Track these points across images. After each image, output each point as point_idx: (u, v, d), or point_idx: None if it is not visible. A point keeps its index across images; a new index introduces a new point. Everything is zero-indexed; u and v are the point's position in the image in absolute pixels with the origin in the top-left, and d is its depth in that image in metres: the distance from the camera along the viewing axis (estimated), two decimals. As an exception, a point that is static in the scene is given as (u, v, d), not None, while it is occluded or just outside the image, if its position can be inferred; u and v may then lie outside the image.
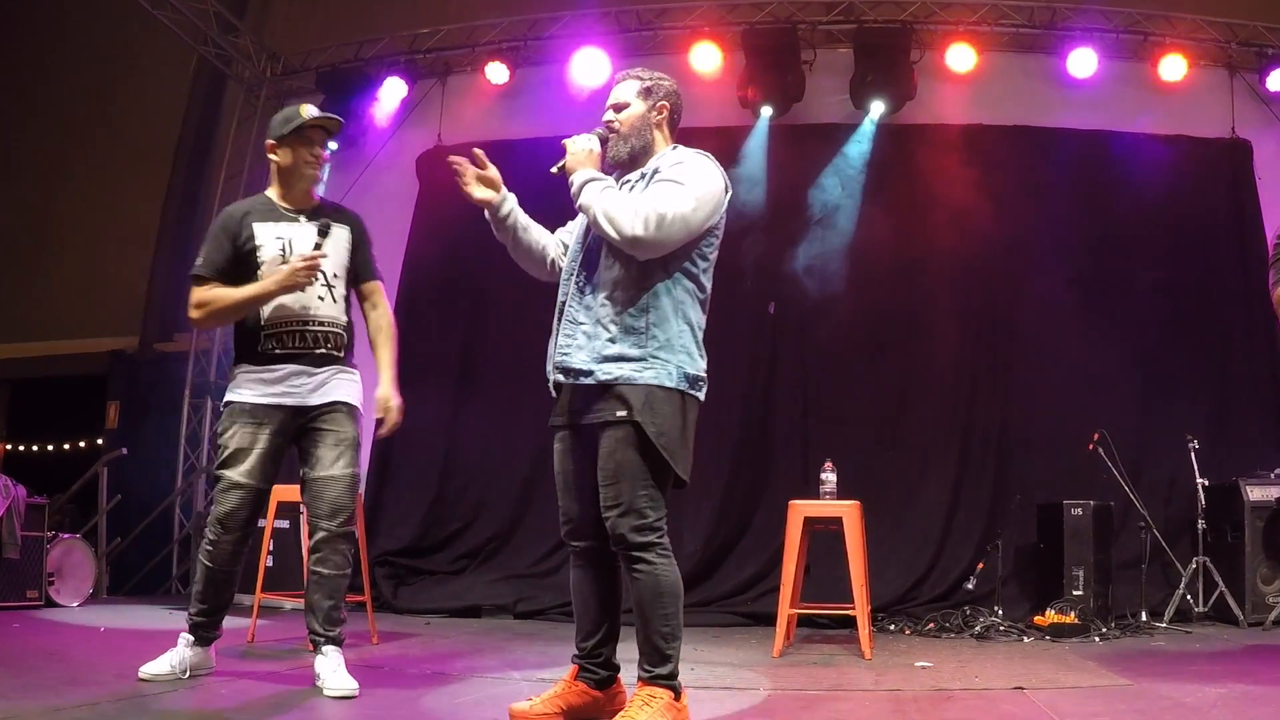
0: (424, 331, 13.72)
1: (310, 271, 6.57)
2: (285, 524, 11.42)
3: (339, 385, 6.80)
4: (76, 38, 17.34)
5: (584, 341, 5.55)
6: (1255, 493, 10.97)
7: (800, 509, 9.36)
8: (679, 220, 5.36)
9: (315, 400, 6.70)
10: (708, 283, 5.71)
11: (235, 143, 15.53)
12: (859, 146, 13.25)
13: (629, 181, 5.73)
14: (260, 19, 16.25)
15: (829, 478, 9.49)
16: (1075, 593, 10.71)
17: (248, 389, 6.75)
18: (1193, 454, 11.24)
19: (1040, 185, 13.01)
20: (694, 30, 13.91)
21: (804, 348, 13.06)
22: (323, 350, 6.78)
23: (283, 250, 6.73)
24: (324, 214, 6.93)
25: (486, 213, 5.99)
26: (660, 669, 5.37)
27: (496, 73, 14.25)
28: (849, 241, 12.75)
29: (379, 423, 6.96)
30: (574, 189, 5.62)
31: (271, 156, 6.97)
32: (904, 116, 13.37)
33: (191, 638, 6.68)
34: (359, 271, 7.04)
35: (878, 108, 13.26)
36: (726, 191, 5.70)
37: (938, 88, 13.52)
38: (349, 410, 6.83)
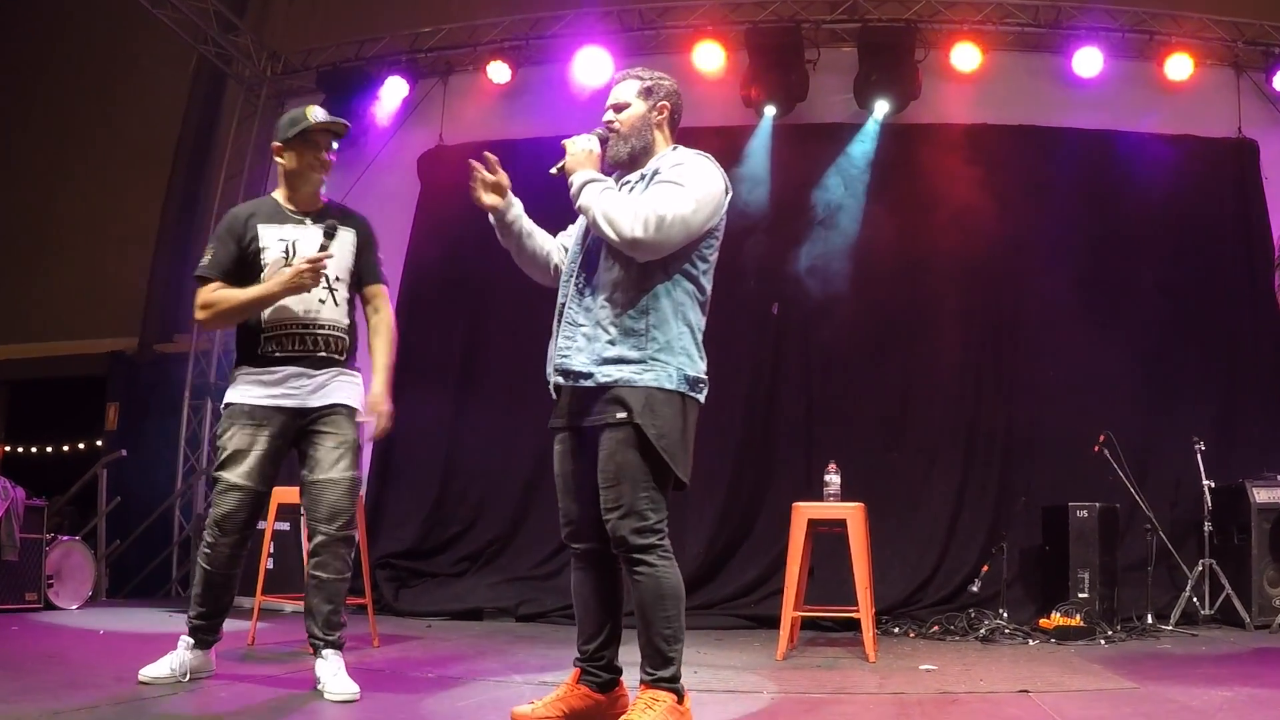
0: (425, 332, 13.74)
1: (315, 273, 6.57)
2: (286, 526, 11.43)
3: (339, 387, 6.79)
4: (76, 37, 17.36)
5: (584, 344, 5.55)
6: (1262, 494, 10.97)
7: (804, 511, 9.35)
8: (679, 222, 5.36)
9: (315, 402, 6.69)
10: (708, 284, 5.71)
11: (235, 142, 15.54)
12: (863, 146, 13.24)
13: (629, 182, 5.73)
14: (260, 18, 16.26)
15: (833, 479, 9.50)
16: (1081, 595, 10.71)
17: (247, 390, 6.76)
18: (1199, 455, 11.24)
19: (1045, 185, 13.00)
20: (697, 29, 13.91)
21: (807, 349, 13.06)
22: (323, 353, 6.78)
23: (286, 253, 6.74)
24: (330, 217, 6.92)
25: (491, 218, 5.97)
26: (663, 672, 5.36)
27: (498, 72, 14.25)
28: (853, 242, 12.74)
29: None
30: (573, 190, 5.61)
31: (278, 159, 6.98)
32: (908, 116, 13.37)
33: (191, 640, 6.68)
34: (363, 275, 7.02)
35: (882, 107, 13.25)
36: (727, 193, 5.70)
37: (942, 87, 13.52)
38: (349, 413, 6.82)
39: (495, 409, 13.17)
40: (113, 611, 11.49)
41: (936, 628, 10.79)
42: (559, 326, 5.73)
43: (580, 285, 5.69)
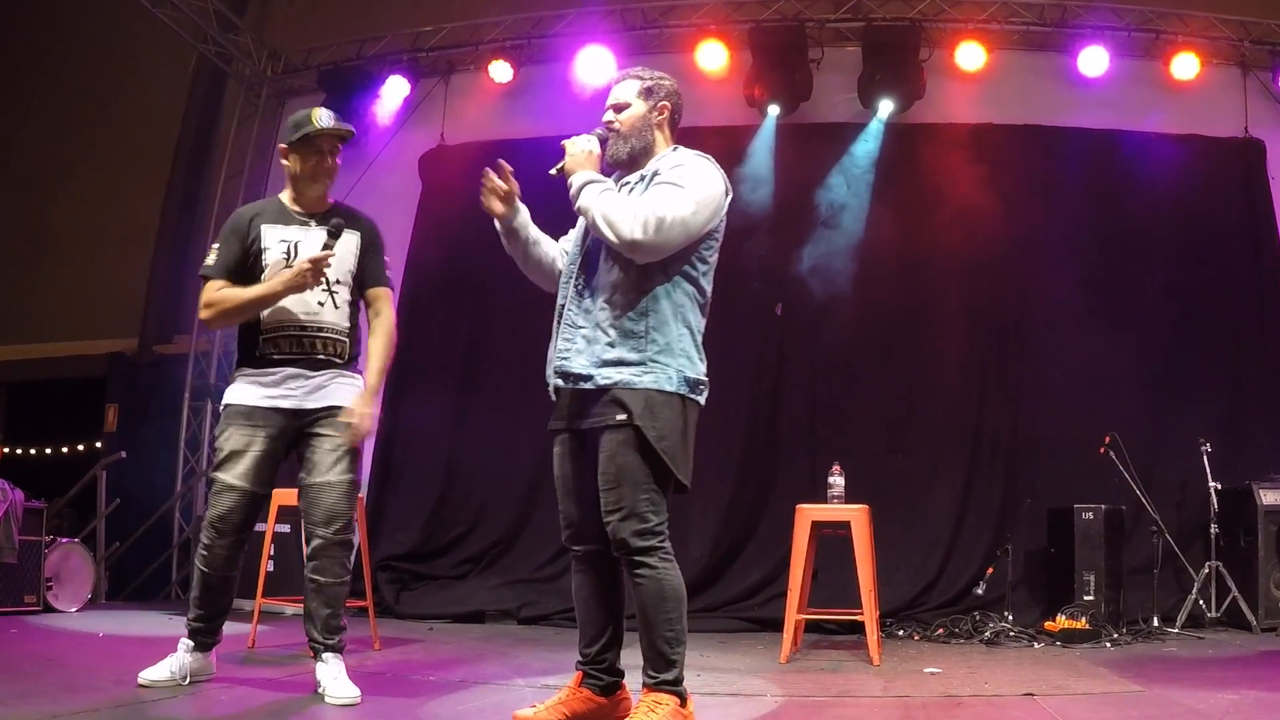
0: (426, 334, 13.75)
1: (316, 272, 6.57)
2: (286, 528, 11.41)
3: (338, 390, 6.75)
4: (75, 36, 17.36)
5: (583, 346, 5.56)
6: (1269, 497, 10.95)
7: (808, 513, 9.34)
8: (678, 224, 5.37)
9: (312, 404, 6.67)
10: (708, 286, 5.71)
11: (236, 142, 15.56)
12: (867, 146, 13.24)
13: (628, 183, 5.73)
14: (261, 17, 16.28)
15: (837, 481, 9.49)
16: (1086, 598, 10.71)
17: (245, 391, 6.76)
18: (1205, 457, 11.24)
19: (1050, 185, 12.99)
20: (700, 28, 13.91)
21: (811, 350, 13.05)
22: (321, 356, 6.76)
23: (287, 254, 6.74)
24: (337, 219, 6.93)
25: (498, 225, 5.97)
26: (665, 675, 5.37)
27: (500, 71, 14.25)
28: (857, 242, 12.73)
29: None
30: (572, 191, 5.61)
31: (283, 161, 6.99)
32: (913, 115, 13.37)
33: (191, 643, 6.68)
34: (365, 277, 6.99)
35: (886, 107, 13.25)
36: (726, 194, 5.70)
37: (947, 86, 13.52)
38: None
39: (497, 410, 13.18)
40: (112, 614, 11.49)
41: (941, 631, 10.78)
42: (558, 328, 5.73)
43: (580, 287, 5.70)
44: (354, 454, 6.79)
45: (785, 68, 13.37)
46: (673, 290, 5.53)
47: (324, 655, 6.58)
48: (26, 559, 11.04)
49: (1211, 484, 11.18)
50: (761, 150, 13.24)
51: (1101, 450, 11.16)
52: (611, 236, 5.38)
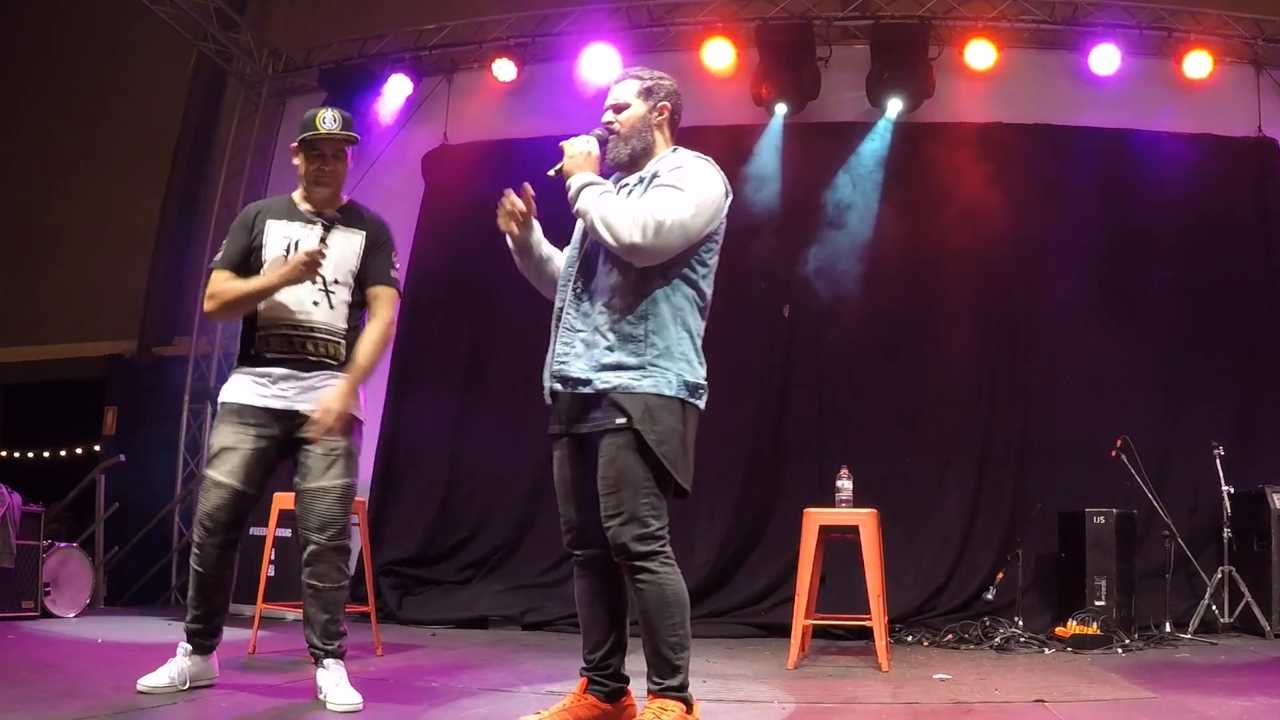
0: (429, 335, 13.78)
1: (311, 266, 6.58)
2: (287, 533, 11.41)
3: (330, 392, 6.75)
4: (73, 34, 17.37)
5: (582, 350, 5.56)
6: (1283, 500, 10.97)
7: (815, 517, 9.33)
8: (678, 227, 5.36)
9: (304, 406, 6.63)
10: (708, 289, 5.71)
11: (236, 141, 15.57)
12: (875, 145, 13.23)
13: (627, 185, 5.73)
14: (261, 14, 16.29)
15: (845, 485, 9.48)
16: (1098, 603, 10.70)
17: (239, 389, 6.78)
18: (1218, 461, 11.24)
19: (1061, 185, 12.98)
20: (707, 26, 13.91)
21: (819, 352, 13.05)
22: (314, 357, 6.75)
23: (287, 250, 6.75)
24: (346, 217, 6.95)
25: (511, 243, 5.98)
26: (670, 680, 5.36)
27: (504, 70, 14.26)
28: (865, 243, 12.71)
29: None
30: (571, 193, 5.60)
31: (294, 159, 7.00)
32: (922, 115, 13.36)
33: (190, 647, 6.69)
34: (366, 276, 6.95)
35: (895, 106, 13.24)
36: (726, 196, 5.69)
37: (956, 85, 13.50)
38: (342, 419, 6.79)
39: (501, 413, 13.14)
40: (111, 620, 11.49)
41: (951, 636, 10.76)
42: (557, 332, 5.73)
43: (578, 290, 5.70)
44: (349, 458, 6.78)
45: (792, 66, 13.36)
46: (672, 293, 5.53)
47: (325, 661, 6.59)
48: (24, 563, 11.04)
49: (1224, 487, 11.18)
50: (768, 150, 13.24)
51: (1113, 453, 11.16)
52: (610, 240, 5.38)
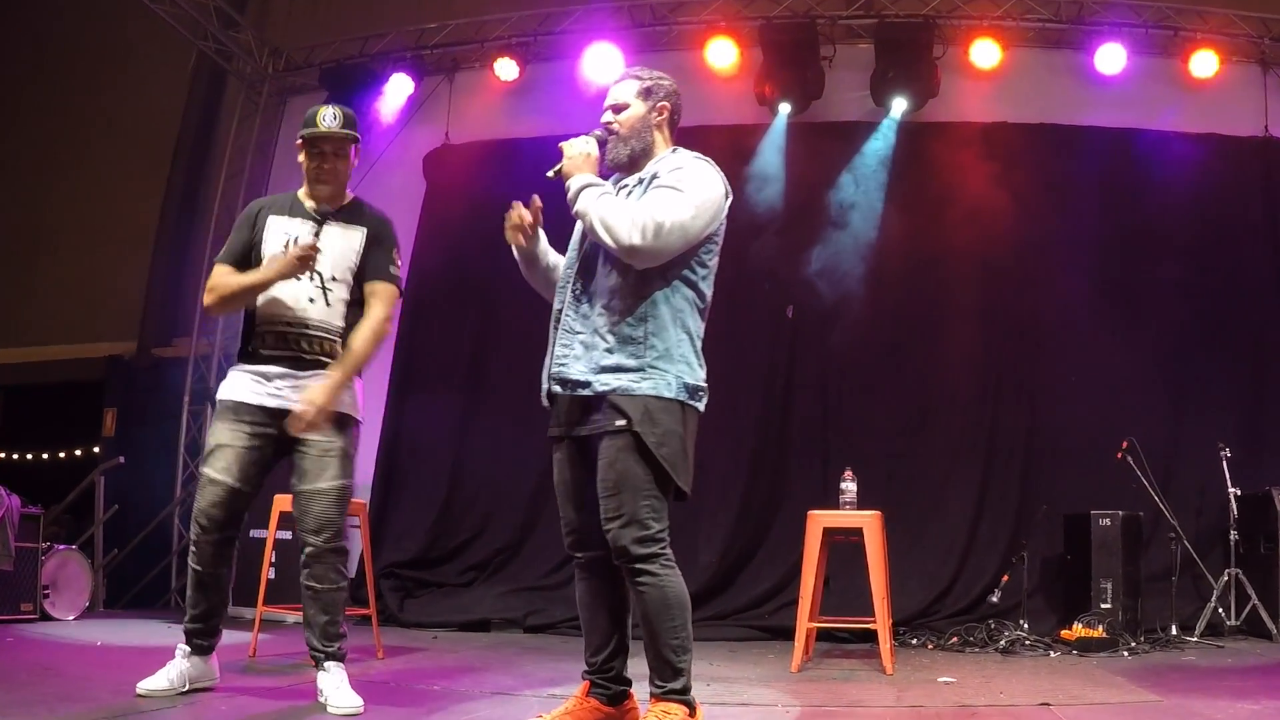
0: (430, 335, 13.78)
1: (304, 260, 6.58)
2: (288, 535, 11.40)
3: (316, 386, 6.72)
4: (72, 32, 17.38)
5: (581, 352, 5.57)
6: (1289, 502, 10.96)
7: (819, 519, 9.33)
8: (677, 228, 5.36)
9: (299, 406, 6.66)
10: (707, 290, 5.71)
11: (236, 141, 15.56)
12: (880, 145, 13.22)
13: (626, 186, 5.73)
14: (262, 13, 16.29)
15: (849, 487, 9.49)
16: (1103, 606, 10.70)
17: (235, 386, 6.81)
18: (1225, 462, 11.22)
19: (1066, 185, 12.97)
20: (710, 25, 13.91)
21: (823, 353, 13.03)
22: (309, 355, 6.75)
23: (285, 246, 6.75)
24: (349, 214, 6.96)
25: (517, 253, 5.99)
26: (673, 683, 5.36)
27: (506, 69, 14.26)
28: (869, 243, 12.70)
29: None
30: (570, 195, 5.60)
31: (299, 157, 7.01)
32: (926, 114, 13.35)
33: (189, 648, 6.70)
34: (364, 272, 6.93)
35: (899, 105, 13.23)
36: (726, 197, 5.69)
37: (961, 84, 13.49)
38: (336, 420, 6.71)
39: (503, 414, 13.10)
40: (110, 623, 11.49)
41: (955, 639, 10.77)
42: (556, 334, 5.73)
43: (577, 292, 5.71)
44: (345, 458, 6.77)
45: (796, 65, 13.35)
46: (672, 295, 5.53)
47: (325, 664, 6.59)
48: (23, 566, 11.03)
49: (1231, 489, 11.16)
50: (772, 149, 13.23)
51: (1119, 455, 11.15)
52: (609, 241, 5.39)
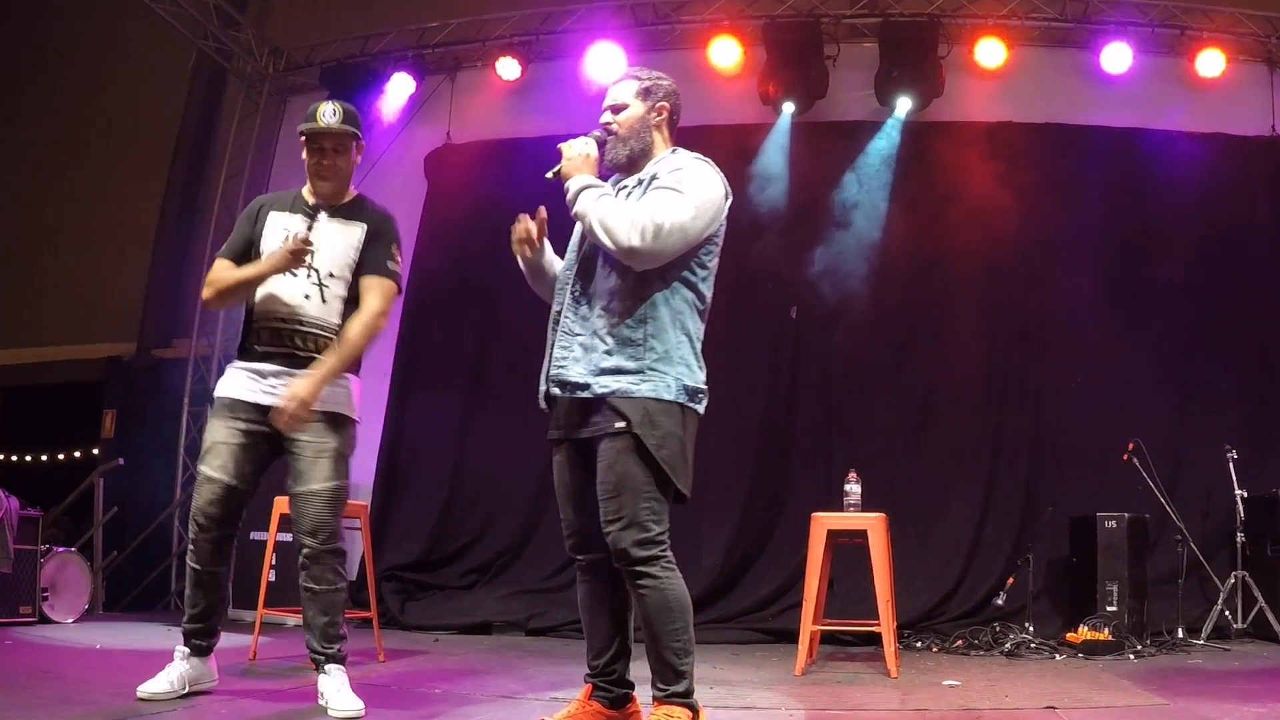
0: (432, 337, 13.79)
1: (298, 254, 6.58)
2: (288, 538, 11.38)
3: (300, 380, 6.66)
4: (71, 31, 17.38)
5: (580, 354, 5.56)
6: (1296, 504, 10.96)
7: (823, 521, 9.33)
8: (677, 230, 5.36)
9: (281, 401, 6.62)
10: (708, 291, 5.71)
11: (236, 141, 15.57)
12: (884, 145, 13.23)
13: (626, 187, 5.74)
14: (262, 12, 16.30)
15: (853, 489, 9.47)
16: (1109, 608, 10.70)
17: (231, 383, 6.83)
18: (1231, 464, 11.21)
19: (1072, 185, 12.98)
20: (713, 24, 13.91)
21: (827, 354, 13.03)
22: (303, 353, 6.71)
23: (283, 242, 6.74)
24: (352, 211, 6.96)
25: (522, 264, 6.00)
26: (675, 686, 5.35)
27: (507, 68, 14.27)
28: (873, 244, 12.72)
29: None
30: (569, 196, 5.60)
31: (303, 154, 7.01)
32: (931, 114, 13.36)
33: (188, 649, 6.69)
34: (361, 267, 6.90)
35: (904, 104, 13.23)
36: (726, 198, 5.69)
37: (966, 84, 13.50)
38: (330, 419, 6.69)
39: (505, 415, 13.04)
40: (109, 625, 11.48)
41: (960, 642, 10.78)
42: (555, 336, 5.74)
43: (576, 294, 5.70)
44: (339, 459, 6.74)
45: (800, 64, 13.35)
46: (671, 297, 5.53)
47: (326, 666, 6.58)
48: (22, 568, 11.02)
49: (1237, 491, 11.15)
50: (775, 149, 13.23)
51: (1125, 457, 11.15)
52: (609, 243, 5.39)
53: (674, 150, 5.81)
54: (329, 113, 6.87)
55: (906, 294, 12.88)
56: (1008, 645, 10.38)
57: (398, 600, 12.64)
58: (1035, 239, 12.80)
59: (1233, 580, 10.98)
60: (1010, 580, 11.29)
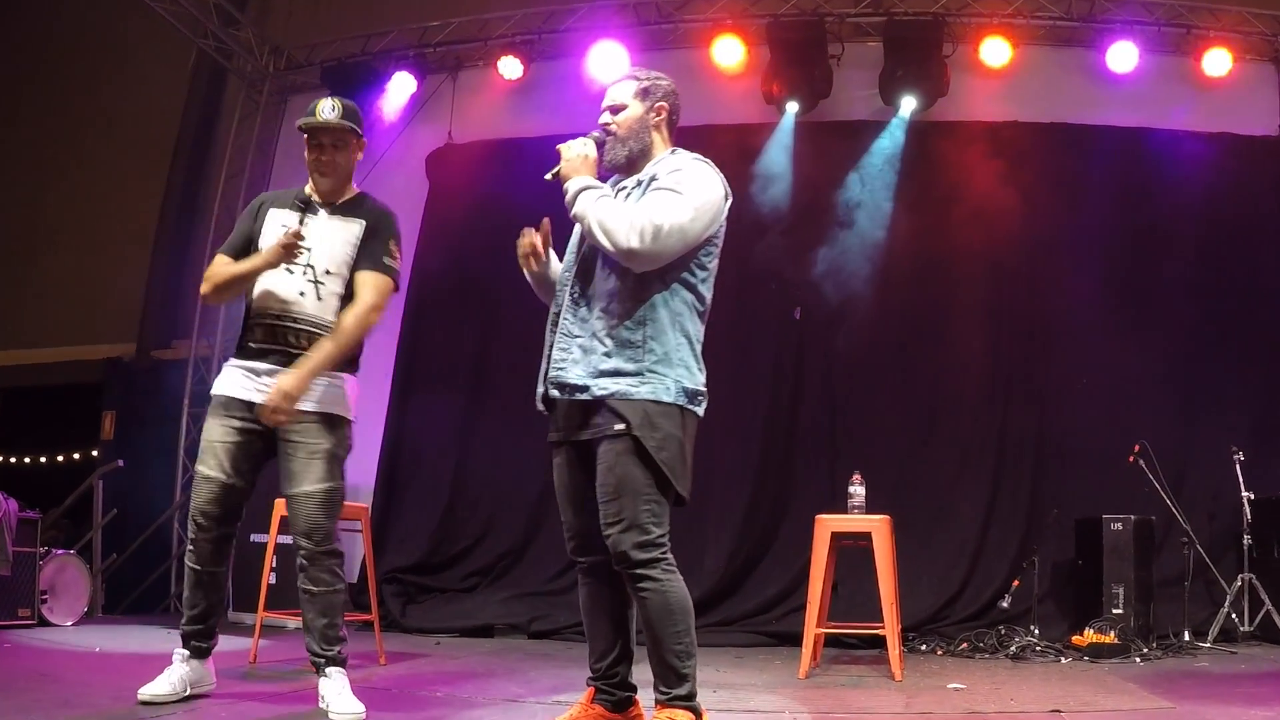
0: (433, 338, 13.80)
1: (289, 248, 6.58)
2: (289, 539, 11.39)
3: (312, 391, 6.62)
4: (70, 30, 17.40)
5: (579, 356, 5.57)
6: (1303, 506, 10.95)
7: (827, 524, 9.31)
8: (676, 231, 5.37)
9: (264, 395, 6.58)
10: (707, 293, 5.72)
11: (237, 141, 15.59)
12: (889, 144, 13.23)
13: (625, 188, 5.74)
14: (262, 11, 16.31)
15: (858, 491, 9.45)
16: (1115, 611, 10.69)
17: (226, 381, 6.80)
18: (1238, 466, 11.19)
19: (1077, 184, 12.97)
20: (716, 23, 13.91)
21: (831, 355, 13.03)
22: (298, 350, 6.66)
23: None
24: (353, 208, 6.97)
25: (528, 275, 6.01)
26: (678, 690, 5.35)
27: (510, 67, 14.28)
28: (878, 244, 12.71)
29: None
30: (568, 198, 5.61)
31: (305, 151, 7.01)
32: (936, 113, 13.36)
33: (187, 651, 6.69)
34: (357, 263, 6.88)
35: (908, 104, 13.23)
36: (726, 199, 5.70)
37: (971, 83, 13.50)
38: (322, 420, 6.67)
39: (507, 416, 13.03)
40: (109, 628, 11.48)
41: (965, 645, 10.78)
42: (554, 337, 5.75)
43: (575, 295, 5.71)
44: (331, 460, 6.70)
45: (804, 64, 13.36)
46: (670, 298, 5.54)
47: (326, 670, 6.57)
48: (21, 571, 11.02)
49: (1244, 493, 11.13)
50: (779, 149, 13.23)
51: (1131, 459, 11.14)
52: (607, 245, 5.39)
53: (673, 151, 5.81)
54: (327, 108, 6.87)
55: (911, 295, 12.87)
56: (1013, 648, 10.38)
57: (399, 603, 12.63)
58: (1040, 239, 12.80)
59: (1239, 583, 10.98)
60: (1015, 583, 11.28)
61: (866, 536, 9.21)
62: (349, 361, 6.89)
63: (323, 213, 6.88)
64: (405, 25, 14.86)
